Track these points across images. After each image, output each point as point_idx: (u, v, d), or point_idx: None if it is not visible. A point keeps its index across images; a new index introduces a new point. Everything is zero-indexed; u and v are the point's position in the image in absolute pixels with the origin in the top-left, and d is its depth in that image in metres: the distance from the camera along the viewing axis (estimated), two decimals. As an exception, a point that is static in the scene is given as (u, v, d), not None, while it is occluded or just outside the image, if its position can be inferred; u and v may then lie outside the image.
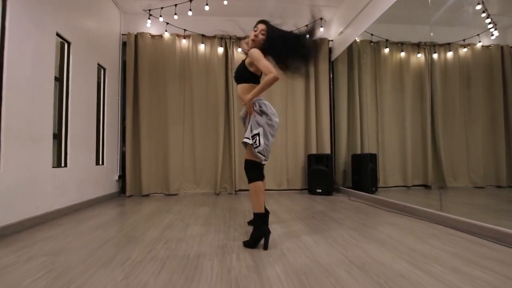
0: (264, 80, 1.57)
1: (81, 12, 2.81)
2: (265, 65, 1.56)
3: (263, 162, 1.65)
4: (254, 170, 1.62)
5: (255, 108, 1.66)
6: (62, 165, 2.55)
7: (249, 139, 1.61)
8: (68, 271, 1.25)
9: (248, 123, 1.69)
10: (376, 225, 2.03)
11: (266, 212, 1.65)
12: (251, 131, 1.62)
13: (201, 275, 1.19)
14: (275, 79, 1.54)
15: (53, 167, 2.34)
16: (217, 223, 2.13)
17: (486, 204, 2.90)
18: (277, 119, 1.69)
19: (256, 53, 1.61)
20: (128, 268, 1.27)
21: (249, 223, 2.05)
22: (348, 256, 1.41)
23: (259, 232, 1.55)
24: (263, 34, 1.71)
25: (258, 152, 1.61)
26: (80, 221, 2.24)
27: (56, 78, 2.44)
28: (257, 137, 1.60)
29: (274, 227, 2.00)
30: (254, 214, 1.61)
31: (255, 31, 1.74)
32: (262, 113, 1.65)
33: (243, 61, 1.78)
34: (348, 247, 1.54)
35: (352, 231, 1.88)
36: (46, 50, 2.26)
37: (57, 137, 2.50)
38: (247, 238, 1.69)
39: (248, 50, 1.70)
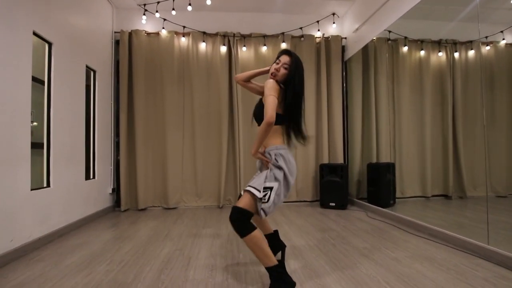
0: (259, 128, 1.34)
1: (65, 8, 2.46)
2: (269, 103, 1.29)
3: (265, 217, 1.39)
4: (244, 222, 1.29)
5: (271, 162, 1.40)
6: (44, 185, 2.23)
7: (259, 191, 1.32)
8: None
9: (262, 171, 1.46)
10: (412, 261, 1.71)
11: (281, 262, 1.37)
12: (264, 181, 1.35)
13: None
14: (268, 125, 1.28)
15: (32, 190, 2.02)
16: (224, 257, 1.82)
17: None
18: (293, 179, 1.40)
19: (269, 85, 1.34)
20: None
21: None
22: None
23: (285, 286, 1.30)
24: (285, 69, 1.42)
25: (262, 208, 1.32)
26: (62, 254, 1.92)
27: (37, 83, 2.09)
28: (269, 192, 1.33)
29: (289, 261, 1.69)
30: (267, 269, 1.32)
31: (277, 63, 1.45)
32: (278, 168, 1.38)
33: (260, 99, 1.51)
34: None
35: (384, 270, 1.56)
36: (20, 52, 1.91)
37: (38, 150, 2.17)
38: (260, 280, 1.41)
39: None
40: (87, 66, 2.86)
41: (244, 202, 1.32)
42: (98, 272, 1.62)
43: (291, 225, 2.62)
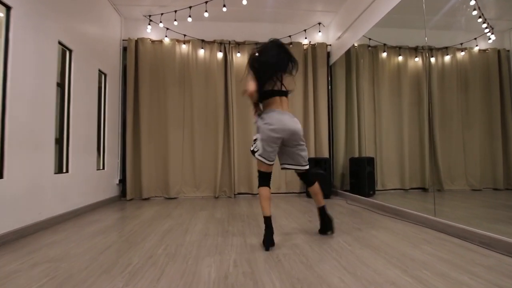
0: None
1: (82, 19, 2.87)
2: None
3: (267, 163, 1.80)
4: (261, 178, 1.84)
5: (256, 120, 1.87)
6: (64, 171, 2.61)
7: (251, 145, 1.88)
8: (70, 278, 1.30)
9: None
10: (371, 230, 2.07)
11: (269, 216, 1.76)
12: (254, 137, 1.88)
13: (199, 282, 1.24)
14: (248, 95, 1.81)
15: (55, 173, 2.40)
16: (216, 228, 2.18)
17: (481, 208, 2.94)
18: (273, 132, 1.78)
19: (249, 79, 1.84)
20: (128, 276, 1.32)
21: (320, 231, 2.03)
22: (342, 262, 1.45)
23: (270, 231, 1.71)
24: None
25: (259, 155, 1.79)
26: (82, 226, 2.30)
27: (58, 84, 2.49)
28: (257, 142, 1.81)
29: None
30: (263, 217, 1.77)
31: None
32: (258, 128, 1.84)
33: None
34: (342, 253, 1.59)
35: (347, 236, 1.92)
36: (48, 58, 2.31)
37: (59, 142, 2.56)
38: (244, 244, 1.79)
39: None
40: (99, 70, 3.26)
41: (257, 165, 1.86)
42: (112, 236, 1.99)
43: (278, 209, 2.98)
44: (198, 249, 1.68)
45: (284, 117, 1.80)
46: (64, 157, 2.63)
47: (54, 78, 2.39)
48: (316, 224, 2.26)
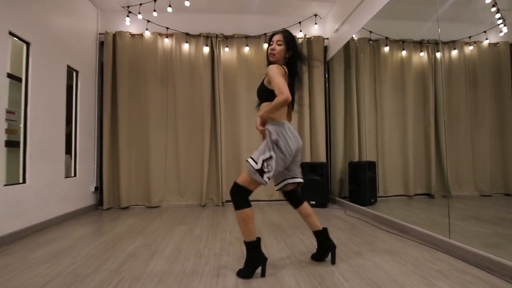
0: (274, 101, 1.39)
1: (45, 9, 2.52)
2: (277, 84, 1.37)
3: (267, 184, 1.47)
4: (242, 197, 1.44)
5: (272, 137, 1.46)
6: (20, 181, 2.27)
7: (256, 162, 1.42)
8: None
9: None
10: (373, 255, 1.73)
11: (258, 239, 1.45)
12: (264, 153, 1.44)
13: None
14: (285, 102, 1.36)
15: (5, 185, 2.06)
16: (189, 251, 1.84)
17: (500, 222, 2.58)
18: (291, 154, 1.48)
19: (273, 70, 1.42)
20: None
21: (315, 257, 1.66)
22: (335, 311, 1.11)
23: (255, 262, 1.42)
24: (279, 44, 1.51)
25: (268, 177, 1.43)
26: (32, 248, 1.96)
27: (9, 76, 2.15)
28: (271, 162, 1.42)
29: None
30: (245, 243, 1.44)
31: (271, 45, 1.54)
32: (275, 145, 1.45)
33: (263, 79, 1.56)
34: (336, 294, 1.25)
35: (344, 265, 1.58)
36: (-6, 51, 1.97)
37: (11, 146, 2.22)
38: (216, 272, 1.47)
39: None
40: (68, 67, 2.91)
41: (242, 179, 1.44)
42: (60, 264, 1.65)
43: (266, 222, 2.64)
44: (157, 286, 1.34)
45: (296, 132, 1.55)
46: (21, 165, 2.29)
47: (3, 74, 2.05)
48: (310, 244, 1.92)
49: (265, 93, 1.51)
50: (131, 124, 3.50)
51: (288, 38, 1.51)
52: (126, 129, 3.46)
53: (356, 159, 3.66)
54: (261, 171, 1.41)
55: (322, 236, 1.59)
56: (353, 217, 2.84)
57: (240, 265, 1.53)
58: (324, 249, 1.60)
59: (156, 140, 3.51)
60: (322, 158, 3.69)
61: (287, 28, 1.73)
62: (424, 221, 2.67)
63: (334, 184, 3.78)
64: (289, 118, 1.65)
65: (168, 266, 1.59)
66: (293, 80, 1.54)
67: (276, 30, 1.60)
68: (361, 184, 3.34)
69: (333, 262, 1.58)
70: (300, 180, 1.59)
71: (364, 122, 3.75)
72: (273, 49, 1.51)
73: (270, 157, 1.42)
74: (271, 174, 1.42)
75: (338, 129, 3.80)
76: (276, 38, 1.51)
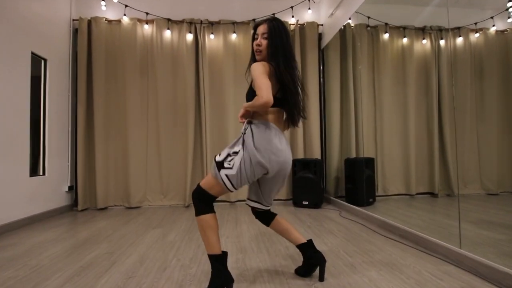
0: (253, 101, 1.12)
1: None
2: (258, 85, 1.09)
3: (230, 190, 1.18)
4: (203, 202, 1.19)
5: (245, 130, 1.20)
6: (-31, 180, 2.00)
7: (219, 155, 1.20)
8: None
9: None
10: (369, 268, 1.46)
11: (223, 254, 1.18)
12: (232, 147, 1.21)
13: None
14: (264, 106, 1.08)
15: None
16: (154, 262, 1.57)
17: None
18: (276, 164, 1.17)
19: (255, 68, 1.13)
20: None
21: (300, 272, 1.38)
22: None
23: (220, 280, 1.15)
24: (266, 38, 1.21)
25: (226, 175, 1.15)
26: (-26, 258, 1.69)
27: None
28: (234, 157, 1.16)
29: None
30: (208, 255, 1.18)
31: (256, 39, 1.25)
32: (253, 147, 1.15)
33: (251, 82, 1.27)
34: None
35: (333, 281, 1.31)
36: None
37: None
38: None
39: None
40: (34, 54, 2.63)
41: (204, 181, 1.20)
42: (2, 276, 1.38)
43: (251, 224, 2.37)
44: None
45: (288, 147, 1.25)
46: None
47: None
48: (296, 253, 1.65)
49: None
50: (108, 118, 3.22)
51: (276, 29, 1.20)
52: (103, 124, 3.19)
53: (353, 155, 3.39)
54: (220, 165, 1.15)
55: (307, 249, 1.32)
56: (349, 219, 2.57)
57: (208, 280, 1.27)
58: (311, 264, 1.33)
59: (135, 135, 3.24)
60: (316, 154, 3.42)
61: (277, 13, 1.42)
62: (428, 224, 2.40)
63: (329, 183, 3.51)
64: (284, 127, 1.31)
65: (121, 283, 1.33)
66: (292, 80, 1.20)
67: (261, 18, 1.29)
68: (358, 183, 3.07)
69: (321, 279, 1.31)
70: (267, 208, 1.32)
71: (362, 115, 3.48)
72: (259, 45, 1.22)
73: (236, 153, 1.14)
74: (231, 172, 1.14)
75: (333, 123, 3.52)
76: (261, 29, 1.22)
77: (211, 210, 1.18)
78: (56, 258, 1.67)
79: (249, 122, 1.22)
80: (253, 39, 1.25)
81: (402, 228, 2.04)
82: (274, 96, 1.18)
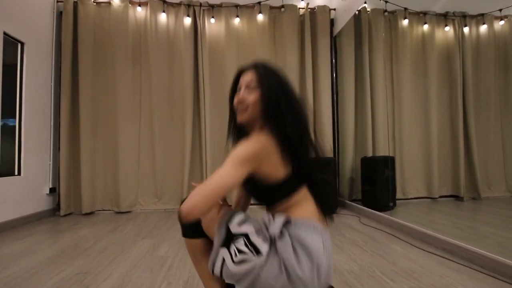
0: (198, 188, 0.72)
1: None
2: (214, 177, 0.70)
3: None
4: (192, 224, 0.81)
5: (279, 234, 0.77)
6: None
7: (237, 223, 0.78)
8: None
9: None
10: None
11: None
12: (256, 233, 0.75)
13: None
14: (181, 215, 0.69)
15: None
16: (138, 286, 1.22)
17: None
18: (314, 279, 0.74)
19: (245, 145, 0.73)
20: None
21: None
22: None
23: None
24: (253, 89, 0.81)
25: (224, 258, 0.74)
26: None
27: None
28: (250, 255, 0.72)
29: None
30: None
31: (238, 91, 0.85)
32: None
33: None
34: None
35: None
36: None
37: None
38: None
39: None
40: (6, 34, 2.29)
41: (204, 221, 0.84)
42: None
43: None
44: None
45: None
46: None
47: None
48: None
49: (263, 192, 0.86)
50: (96, 112, 2.87)
51: (268, 75, 0.82)
52: (90, 118, 2.84)
53: (370, 154, 3.04)
54: (229, 240, 0.75)
55: None
56: (372, 227, 2.21)
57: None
58: None
59: (126, 130, 2.89)
60: (329, 153, 3.07)
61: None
62: (468, 233, 2.05)
63: (343, 185, 3.16)
64: (324, 222, 0.85)
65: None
66: (304, 155, 0.84)
67: (245, 64, 0.86)
68: (377, 184, 2.72)
69: None
70: None
71: (379, 110, 3.14)
72: (241, 101, 0.82)
73: (258, 252, 0.72)
74: (233, 270, 0.72)
75: (348, 118, 3.18)
76: (246, 79, 0.83)
77: (202, 233, 0.85)
78: (14, 280, 1.31)
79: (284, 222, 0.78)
80: (233, 91, 0.88)
81: (441, 239, 1.68)
82: (289, 178, 0.79)
